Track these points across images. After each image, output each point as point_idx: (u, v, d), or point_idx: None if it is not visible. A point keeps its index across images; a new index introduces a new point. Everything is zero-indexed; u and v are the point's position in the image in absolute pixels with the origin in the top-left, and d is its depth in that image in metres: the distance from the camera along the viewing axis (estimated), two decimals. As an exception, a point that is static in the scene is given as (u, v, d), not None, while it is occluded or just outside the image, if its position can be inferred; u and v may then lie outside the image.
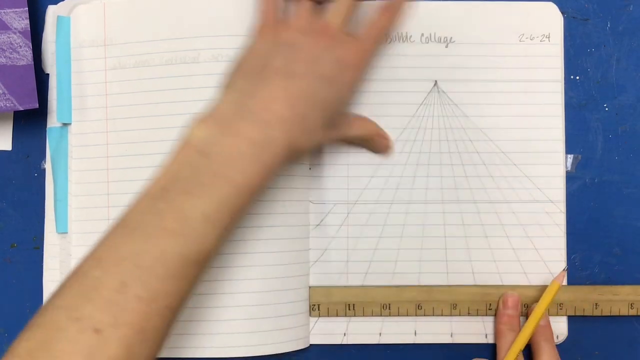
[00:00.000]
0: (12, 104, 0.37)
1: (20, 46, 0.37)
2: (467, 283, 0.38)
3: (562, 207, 0.38)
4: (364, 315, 0.38)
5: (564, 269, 0.37)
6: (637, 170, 0.39)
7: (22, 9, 0.37)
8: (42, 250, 0.39)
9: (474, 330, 0.38)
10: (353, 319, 0.38)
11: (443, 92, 0.38)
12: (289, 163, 0.32)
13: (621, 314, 0.38)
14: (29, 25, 0.37)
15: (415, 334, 0.38)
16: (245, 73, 0.33)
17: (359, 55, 0.34)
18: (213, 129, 0.30)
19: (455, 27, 0.38)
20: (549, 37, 0.38)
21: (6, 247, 0.40)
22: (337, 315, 0.38)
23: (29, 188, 0.40)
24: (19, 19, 0.37)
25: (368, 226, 0.38)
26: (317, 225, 0.38)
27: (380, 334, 0.38)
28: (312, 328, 0.38)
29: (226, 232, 0.30)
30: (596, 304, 0.38)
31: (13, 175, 0.40)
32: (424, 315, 0.38)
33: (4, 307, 0.40)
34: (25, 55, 0.37)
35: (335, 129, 0.35)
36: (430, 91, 0.38)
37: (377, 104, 0.38)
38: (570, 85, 0.40)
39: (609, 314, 0.38)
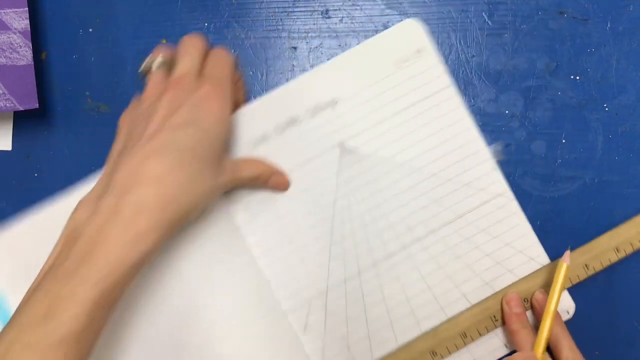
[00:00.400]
0: (12, 104, 0.37)
1: (20, 46, 0.37)
2: (464, 307, 0.38)
3: (510, 195, 0.38)
4: None
5: (568, 249, 0.37)
6: (637, 170, 0.39)
7: (22, 9, 0.37)
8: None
9: (492, 346, 0.38)
10: None
11: (352, 150, 0.38)
12: (179, 221, 0.31)
13: (612, 262, 0.38)
14: (29, 25, 0.37)
15: None
16: (116, 153, 0.33)
17: (212, 91, 0.33)
18: (86, 210, 0.31)
19: (334, 87, 0.38)
20: (421, 51, 0.38)
21: (6, 247, 0.40)
22: None
23: (29, 188, 0.40)
24: (19, 19, 0.37)
25: (349, 306, 0.38)
26: (304, 330, 0.38)
27: None
28: None
29: (102, 309, 0.29)
30: (586, 265, 0.38)
31: (13, 175, 0.40)
32: (442, 358, 0.37)
33: (4, 307, 0.40)
34: (25, 55, 0.37)
35: (222, 174, 0.34)
36: (340, 155, 0.38)
37: (297, 194, 0.38)
38: (570, 85, 0.40)
39: (601, 268, 0.38)
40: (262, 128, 0.38)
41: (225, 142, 0.35)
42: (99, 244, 0.29)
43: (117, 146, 0.34)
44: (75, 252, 0.29)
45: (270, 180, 0.37)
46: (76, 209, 0.32)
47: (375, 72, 0.38)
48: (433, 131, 0.38)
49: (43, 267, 0.31)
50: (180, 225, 0.32)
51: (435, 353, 0.37)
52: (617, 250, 0.38)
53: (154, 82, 0.35)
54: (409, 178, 0.38)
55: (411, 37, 0.38)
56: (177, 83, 0.33)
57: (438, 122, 0.38)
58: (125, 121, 0.35)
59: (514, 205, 0.38)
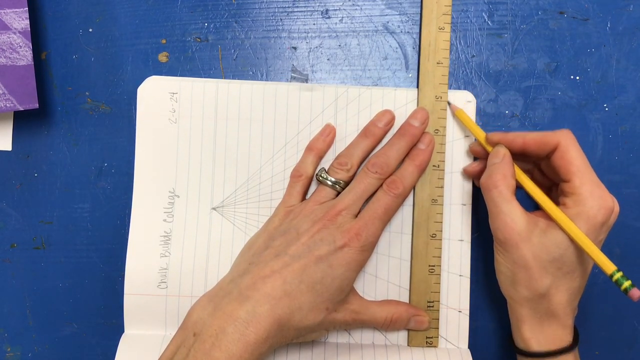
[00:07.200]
0: (12, 104, 0.37)
1: (20, 46, 0.37)
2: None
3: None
4: None
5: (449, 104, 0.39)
6: (637, 170, 0.39)
7: (22, 9, 0.37)
8: (42, 250, 0.40)
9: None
10: None
11: None
12: (281, 339, 0.33)
13: None
14: (29, 25, 0.37)
15: None
16: (250, 252, 0.36)
17: (353, 235, 0.34)
18: (206, 309, 0.33)
19: None
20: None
21: (6, 247, 0.40)
22: None
23: (29, 188, 0.40)
24: (19, 19, 0.37)
25: None
26: None
27: None
28: None
29: None
30: None
31: (13, 175, 0.40)
32: None
33: (4, 307, 0.40)
34: (25, 55, 0.37)
35: (342, 312, 0.36)
36: None
37: None
38: (570, 85, 0.40)
39: None
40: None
41: (350, 285, 0.36)
42: (217, 346, 0.31)
43: (262, 237, 0.37)
44: (195, 350, 0.31)
45: (410, 322, 0.38)
46: (199, 301, 0.34)
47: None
48: None
49: (162, 354, 0.33)
50: (286, 343, 0.34)
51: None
52: None
53: (320, 197, 0.37)
54: None
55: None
56: (333, 217, 0.35)
57: None
58: (281, 214, 0.37)
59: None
